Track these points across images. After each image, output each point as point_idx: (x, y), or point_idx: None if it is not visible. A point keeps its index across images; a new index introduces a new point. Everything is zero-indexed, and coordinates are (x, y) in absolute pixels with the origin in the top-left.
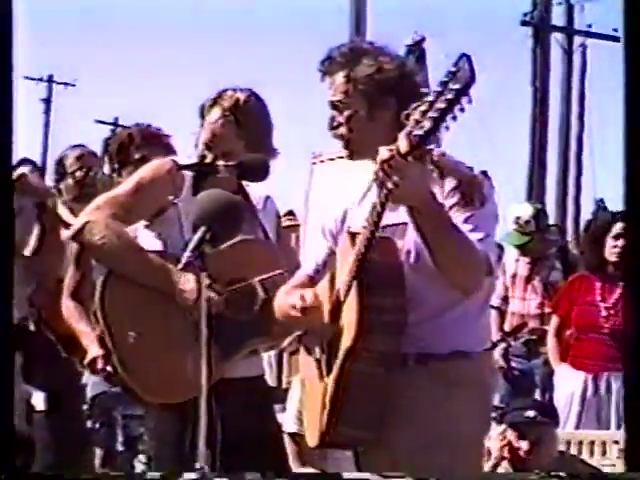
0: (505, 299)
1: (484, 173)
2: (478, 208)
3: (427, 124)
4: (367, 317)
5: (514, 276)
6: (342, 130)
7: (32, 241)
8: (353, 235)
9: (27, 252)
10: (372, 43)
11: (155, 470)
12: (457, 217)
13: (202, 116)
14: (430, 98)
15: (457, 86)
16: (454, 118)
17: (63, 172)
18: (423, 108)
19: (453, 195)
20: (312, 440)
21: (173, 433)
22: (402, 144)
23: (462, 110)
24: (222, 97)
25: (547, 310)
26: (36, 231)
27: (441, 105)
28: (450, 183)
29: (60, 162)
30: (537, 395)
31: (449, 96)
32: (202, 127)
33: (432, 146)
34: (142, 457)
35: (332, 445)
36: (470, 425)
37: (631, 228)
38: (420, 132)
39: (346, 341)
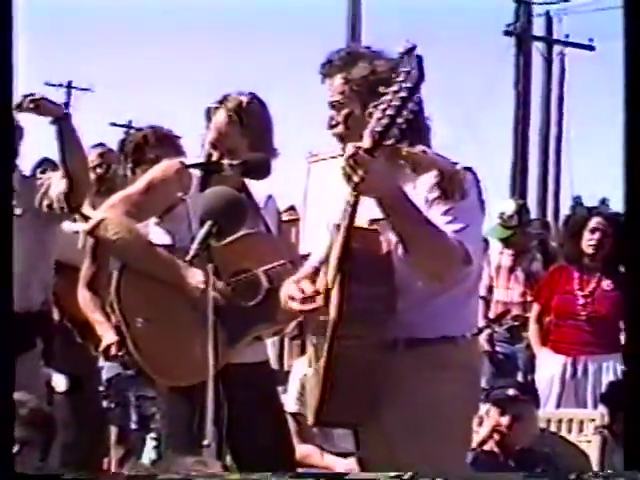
0: (490, 289)
1: (468, 168)
2: (458, 201)
3: (385, 120)
4: (351, 304)
5: (498, 267)
6: (340, 129)
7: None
8: (339, 227)
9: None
10: (369, 47)
11: (165, 447)
12: (437, 210)
13: (208, 118)
14: (388, 97)
15: (409, 85)
16: (412, 112)
17: None
18: (382, 106)
19: (434, 189)
20: (310, 418)
21: (183, 414)
22: (366, 141)
23: (417, 104)
24: (227, 100)
25: (529, 298)
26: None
27: (396, 103)
28: (432, 178)
29: None
30: (519, 377)
31: (402, 94)
32: (208, 128)
33: (391, 141)
34: (153, 434)
35: (327, 424)
36: (457, 405)
37: (631, 227)
38: (380, 128)
39: (330, 325)
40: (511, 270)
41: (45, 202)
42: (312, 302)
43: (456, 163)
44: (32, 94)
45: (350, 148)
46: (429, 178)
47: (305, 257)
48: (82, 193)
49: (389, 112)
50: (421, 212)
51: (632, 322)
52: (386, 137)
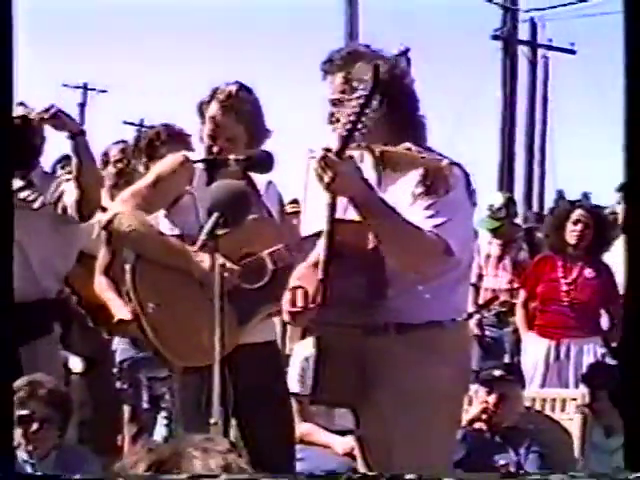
0: (479, 276)
1: (456, 164)
2: (442, 195)
3: (348, 125)
4: (337, 292)
5: (487, 256)
6: (340, 124)
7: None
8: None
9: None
10: (368, 46)
11: (177, 425)
12: (420, 205)
13: (201, 113)
14: (352, 103)
15: (366, 93)
16: (370, 119)
17: (107, 161)
18: (347, 111)
19: (419, 185)
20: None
21: (193, 394)
22: (335, 144)
23: (374, 111)
24: (216, 92)
25: (516, 285)
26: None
27: (356, 109)
28: (416, 174)
29: (105, 153)
30: (506, 359)
31: (361, 101)
32: (203, 123)
33: (356, 144)
34: (164, 413)
35: (322, 403)
36: (446, 385)
37: (630, 226)
38: (345, 133)
39: (316, 313)
40: (499, 259)
41: (60, 205)
42: (298, 314)
43: (445, 158)
44: (51, 107)
45: (321, 151)
46: (414, 174)
47: (305, 238)
48: (93, 204)
49: (352, 118)
50: (394, 210)
51: (631, 322)
52: (350, 140)
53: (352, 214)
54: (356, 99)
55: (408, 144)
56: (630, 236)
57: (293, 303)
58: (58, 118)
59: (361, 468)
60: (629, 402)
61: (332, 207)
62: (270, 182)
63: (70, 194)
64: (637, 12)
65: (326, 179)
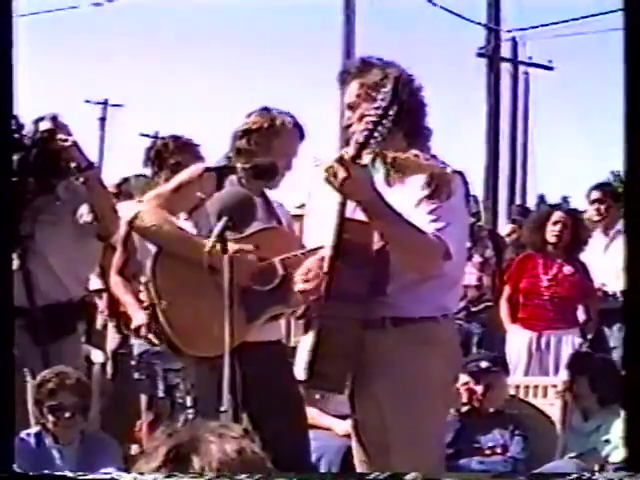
0: None
1: (458, 172)
2: (444, 201)
3: (366, 133)
4: (340, 287)
5: None
6: (354, 127)
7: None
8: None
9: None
10: (380, 59)
11: (194, 412)
12: (423, 208)
13: (234, 144)
14: (371, 112)
15: (384, 104)
16: (387, 128)
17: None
18: (366, 119)
19: (423, 189)
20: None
21: (206, 384)
22: (351, 149)
23: (392, 122)
24: (248, 129)
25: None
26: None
27: (374, 118)
28: (421, 179)
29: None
30: (497, 351)
31: (380, 112)
32: (236, 152)
33: (370, 149)
34: (179, 401)
35: (317, 388)
36: (437, 376)
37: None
38: (361, 139)
39: (319, 305)
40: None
41: (82, 219)
42: (312, 281)
43: (448, 166)
44: (66, 139)
45: (336, 156)
46: (419, 179)
47: (313, 251)
48: (107, 229)
49: (369, 126)
50: (400, 214)
51: (631, 326)
52: (366, 146)
53: (360, 215)
54: (374, 109)
55: (415, 151)
56: (630, 236)
57: (304, 281)
58: (69, 150)
59: (356, 450)
60: (629, 402)
61: (342, 206)
62: (281, 204)
63: (87, 216)
64: (637, 14)
65: (338, 181)
